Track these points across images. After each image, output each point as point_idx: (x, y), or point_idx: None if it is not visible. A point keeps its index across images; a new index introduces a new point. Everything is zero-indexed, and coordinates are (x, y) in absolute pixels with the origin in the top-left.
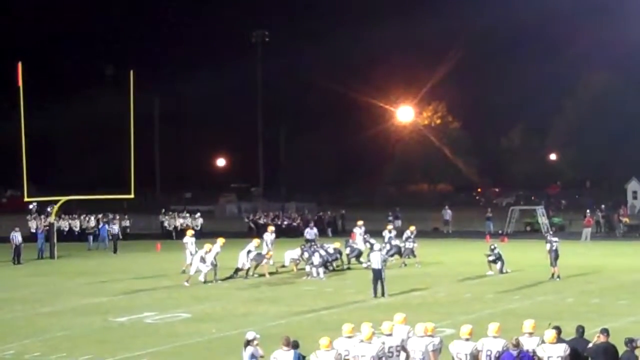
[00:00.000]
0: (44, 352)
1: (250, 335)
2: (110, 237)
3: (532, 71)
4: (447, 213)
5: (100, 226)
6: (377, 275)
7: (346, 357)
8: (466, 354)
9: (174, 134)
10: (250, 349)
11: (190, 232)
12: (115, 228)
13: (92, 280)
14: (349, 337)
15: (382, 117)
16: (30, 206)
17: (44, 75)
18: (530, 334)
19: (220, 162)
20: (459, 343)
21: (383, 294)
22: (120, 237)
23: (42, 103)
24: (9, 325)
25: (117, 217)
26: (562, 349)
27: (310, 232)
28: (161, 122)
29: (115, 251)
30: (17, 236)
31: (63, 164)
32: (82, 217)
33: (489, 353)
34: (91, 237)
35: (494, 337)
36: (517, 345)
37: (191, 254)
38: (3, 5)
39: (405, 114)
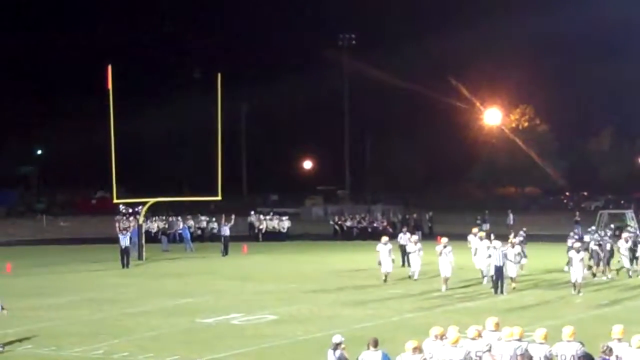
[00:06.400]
0: (132, 352)
1: (337, 339)
2: (223, 239)
3: (623, 73)
4: (510, 218)
5: (180, 227)
6: (498, 272)
7: None
8: (540, 357)
9: (260, 137)
10: (337, 352)
11: (384, 239)
12: (227, 230)
13: (179, 281)
14: (437, 340)
15: (469, 119)
16: (121, 207)
17: (133, 78)
18: (619, 339)
19: (307, 164)
20: (533, 346)
21: (502, 291)
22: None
23: (131, 106)
24: (98, 325)
25: (233, 217)
26: None
27: (404, 238)
28: (248, 125)
29: (226, 253)
30: (124, 239)
31: (152, 166)
32: (169, 219)
33: (563, 358)
34: (165, 238)
35: (568, 341)
36: (610, 352)
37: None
38: (94, 9)
39: (492, 116)
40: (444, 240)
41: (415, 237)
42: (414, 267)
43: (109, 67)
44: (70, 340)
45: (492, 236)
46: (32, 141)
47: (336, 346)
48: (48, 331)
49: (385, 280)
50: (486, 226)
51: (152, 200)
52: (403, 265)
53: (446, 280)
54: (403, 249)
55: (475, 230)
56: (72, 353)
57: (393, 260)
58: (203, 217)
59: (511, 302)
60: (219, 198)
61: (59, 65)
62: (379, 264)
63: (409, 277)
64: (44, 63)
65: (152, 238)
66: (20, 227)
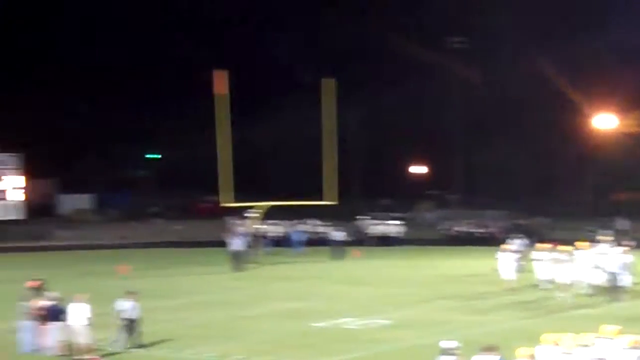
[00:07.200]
0: (245, 355)
1: (446, 344)
2: (335, 244)
3: None
4: (621, 223)
5: (293, 231)
6: (613, 279)
7: None
8: None
9: (370, 141)
10: (447, 359)
11: (504, 246)
12: (340, 235)
13: (291, 285)
14: (551, 346)
15: (582, 123)
16: (246, 214)
17: (245, 83)
18: None
19: (418, 169)
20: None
21: (618, 299)
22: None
23: (243, 111)
24: (212, 328)
25: (345, 222)
26: None
27: (518, 243)
28: (359, 130)
29: (339, 257)
30: (236, 243)
31: (264, 171)
32: (283, 223)
33: None
34: (271, 242)
35: None
36: None
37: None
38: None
39: (606, 121)
40: (569, 248)
41: (547, 246)
42: (546, 275)
43: (217, 73)
44: (184, 343)
45: (613, 243)
46: (148, 146)
47: (445, 352)
48: (162, 333)
49: (511, 289)
50: (610, 232)
51: (265, 205)
52: (517, 272)
53: (567, 287)
54: (517, 256)
55: (604, 237)
56: (186, 355)
57: (522, 266)
58: (315, 222)
59: (628, 310)
60: (335, 202)
61: (176, 70)
62: (499, 270)
63: (544, 287)
64: (160, 68)
65: (265, 242)
66: (134, 230)
